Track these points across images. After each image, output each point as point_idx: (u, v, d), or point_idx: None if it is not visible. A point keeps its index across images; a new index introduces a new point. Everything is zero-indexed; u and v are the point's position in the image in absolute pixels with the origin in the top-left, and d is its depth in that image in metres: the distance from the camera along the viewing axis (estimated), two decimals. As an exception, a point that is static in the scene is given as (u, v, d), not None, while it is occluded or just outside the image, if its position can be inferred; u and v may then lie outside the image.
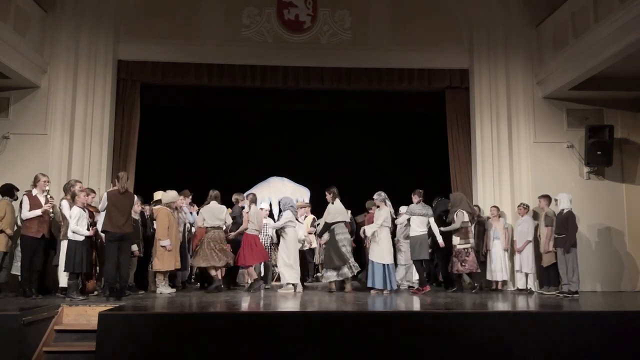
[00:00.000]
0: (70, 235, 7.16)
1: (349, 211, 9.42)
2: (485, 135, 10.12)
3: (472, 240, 8.61)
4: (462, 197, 8.93)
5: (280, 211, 9.15)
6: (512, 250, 9.36)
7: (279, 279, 9.69)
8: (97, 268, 7.87)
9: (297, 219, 9.14)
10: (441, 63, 10.48)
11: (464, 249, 8.54)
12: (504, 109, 10.09)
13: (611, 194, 9.78)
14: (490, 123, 10.13)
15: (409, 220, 8.88)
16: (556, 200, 8.55)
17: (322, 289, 9.14)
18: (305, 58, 10.30)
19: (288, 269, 8.57)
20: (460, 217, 8.60)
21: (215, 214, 8.50)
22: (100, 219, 7.52)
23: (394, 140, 12.31)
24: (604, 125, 9.70)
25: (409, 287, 9.30)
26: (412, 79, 10.44)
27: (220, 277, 8.67)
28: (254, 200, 9.03)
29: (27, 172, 8.32)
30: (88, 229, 7.28)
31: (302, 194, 13.06)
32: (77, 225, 7.16)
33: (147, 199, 8.79)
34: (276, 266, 9.66)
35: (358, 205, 10.27)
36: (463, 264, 8.54)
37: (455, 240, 8.62)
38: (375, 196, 8.66)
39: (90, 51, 9.77)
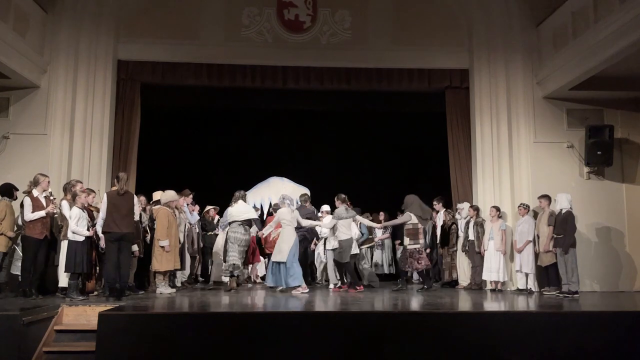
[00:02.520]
0: (70, 235, 7.16)
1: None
2: (485, 135, 10.12)
3: (421, 241, 8.85)
4: (414, 200, 9.07)
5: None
6: (511, 251, 9.36)
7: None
8: (97, 268, 7.87)
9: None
10: (441, 63, 10.47)
11: (415, 249, 8.78)
12: (504, 109, 10.07)
13: (611, 194, 9.77)
14: (490, 123, 10.12)
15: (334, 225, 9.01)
16: (555, 200, 8.57)
17: (322, 290, 9.17)
18: (305, 58, 10.29)
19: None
20: (406, 217, 8.91)
21: None
22: (99, 221, 7.54)
23: (394, 140, 12.31)
24: (604, 125, 9.68)
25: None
26: (412, 79, 10.44)
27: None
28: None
29: (27, 172, 8.30)
30: (88, 230, 7.28)
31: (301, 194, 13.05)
32: (77, 226, 7.16)
33: (149, 199, 8.78)
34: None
35: (358, 206, 10.26)
36: (419, 262, 8.77)
37: (406, 241, 8.91)
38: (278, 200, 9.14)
39: (90, 51, 9.77)
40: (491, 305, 7.25)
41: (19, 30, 8.68)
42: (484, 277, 9.30)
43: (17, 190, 7.82)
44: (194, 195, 9.47)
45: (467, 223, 9.55)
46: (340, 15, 10.44)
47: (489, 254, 9.20)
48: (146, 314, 5.82)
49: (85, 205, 7.55)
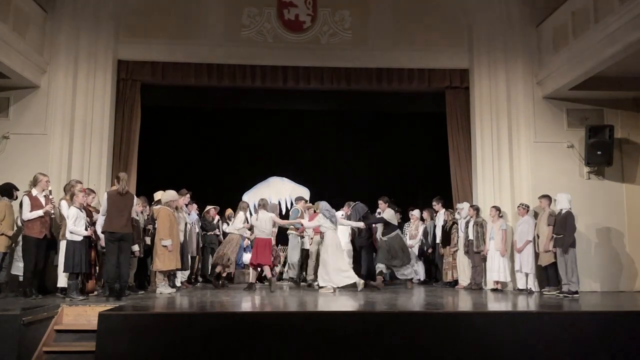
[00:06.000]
0: (68, 235, 7.15)
1: None
2: (485, 135, 10.12)
3: None
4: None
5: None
6: (511, 251, 9.36)
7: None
8: (97, 268, 7.87)
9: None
10: (441, 63, 10.47)
11: None
12: (504, 109, 10.07)
13: (611, 194, 9.77)
14: (490, 123, 10.12)
15: None
16: (555, 200, 8.57)
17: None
18: (305, 58, 10.29)
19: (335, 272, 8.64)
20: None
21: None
22: (99, 219, 7.54)
23: (394, 140, 12.32)
24: (604, 125, 9.69)
25: None
26: (412, 79, 10.44)
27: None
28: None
29: (27, 172, 8.27)
30: (86, 229, 7.28)
31: (301, 193, 13.06)
32: (75, 226, 7.15)
33: (149, 199, 8.78)
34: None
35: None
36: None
37: None
38: None
39: (90, 51, 9.76)
40: (491, 305, 7.25)
41: (19, 30, 8.68)
42: (487, 277, 9.29)
43: (18, 190, 7.82)
44: (191, 194, 9.47)
45: (467, 223, 9.55)
46: (340, 15, 10.43)
47: (492, 254, 9.20)
48: (146, 314, 5.82)
49: (84, 205, 7.55)
